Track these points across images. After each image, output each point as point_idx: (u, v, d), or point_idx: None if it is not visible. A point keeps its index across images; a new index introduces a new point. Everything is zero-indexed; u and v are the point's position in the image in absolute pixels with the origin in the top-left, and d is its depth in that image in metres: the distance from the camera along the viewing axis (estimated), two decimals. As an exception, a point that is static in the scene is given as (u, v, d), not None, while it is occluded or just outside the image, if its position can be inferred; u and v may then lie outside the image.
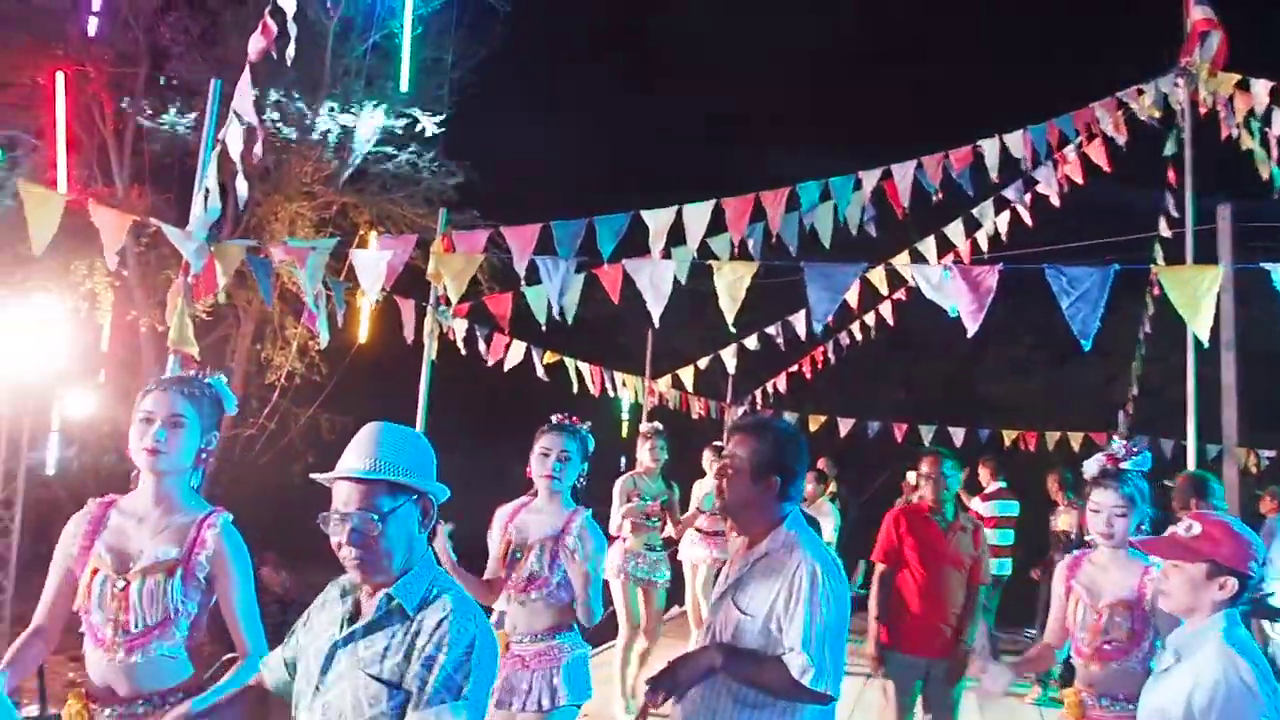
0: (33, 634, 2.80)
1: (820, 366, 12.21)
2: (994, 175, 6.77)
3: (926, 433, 13.18)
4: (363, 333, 11.80)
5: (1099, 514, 3.68)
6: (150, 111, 13.34)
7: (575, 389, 8.96)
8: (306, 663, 2.25)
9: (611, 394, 9.77)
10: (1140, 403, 14.57)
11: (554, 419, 4.15)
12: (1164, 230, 9.92)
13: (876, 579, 5.19)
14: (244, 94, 4.87)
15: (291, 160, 12.39)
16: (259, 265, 5.21)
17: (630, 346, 11.14)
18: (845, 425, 13.54)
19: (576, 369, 8.91)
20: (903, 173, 6.33)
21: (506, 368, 7.83)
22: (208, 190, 4.85)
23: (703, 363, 10.94)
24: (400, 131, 14.09)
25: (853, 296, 9.62)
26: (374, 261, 5.18)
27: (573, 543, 3.90)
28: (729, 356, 10.60)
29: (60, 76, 10.80)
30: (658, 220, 5.30)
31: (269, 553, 13.43)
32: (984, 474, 9.55)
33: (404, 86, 12.68)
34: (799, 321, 9.96)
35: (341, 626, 2.21)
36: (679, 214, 5.35)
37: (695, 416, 12.73)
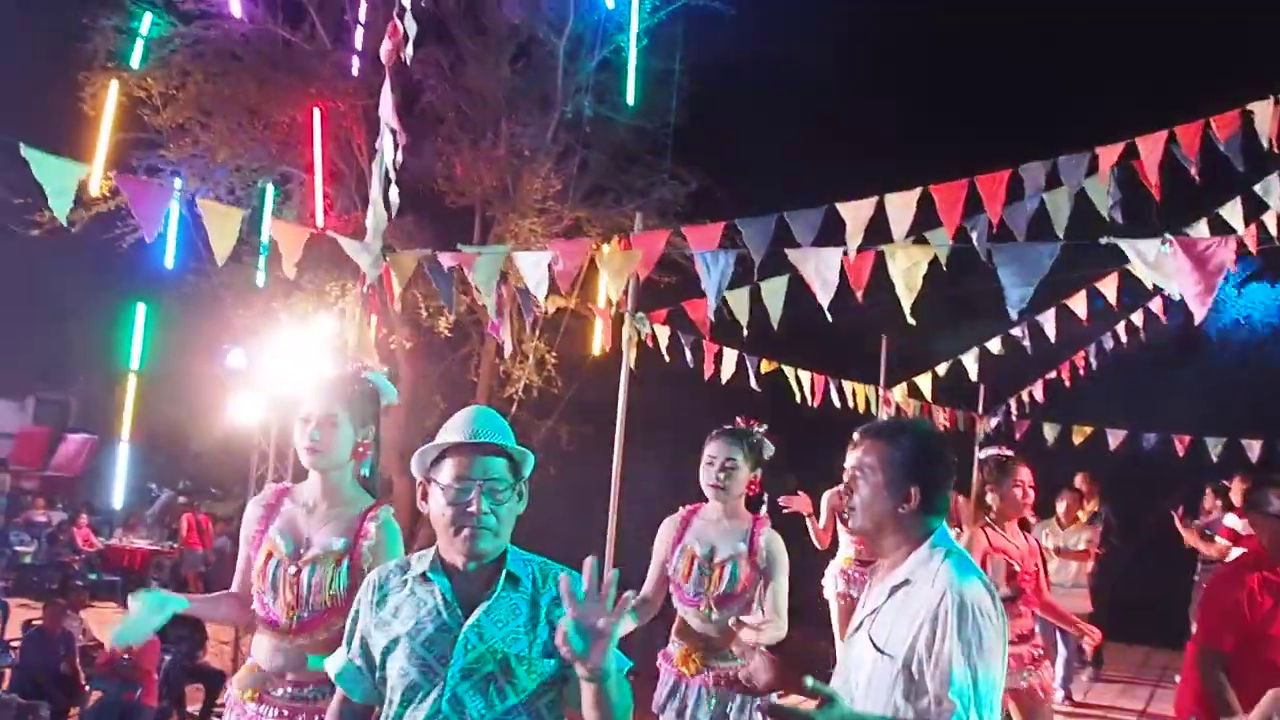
0: (229, 594, 3.05)
1: (1083, 372, 11.10)
2: (1273, 143, 5.76)
3: (1213, 446, 11.70)
4: (596, 344, 11.82)
5: None
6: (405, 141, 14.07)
7: (797, 399, 8.52)
8: (413, 661, 2.17)
9: (837, 404, 9.23)
10: None
11: (729, 426, 3.88)
12: None
13: (1206, 663, 3.69)
14: (386, 101, 4.89)
15: (524, 177, 12.67)
16: (438, 273, 5.22)
17: (867, 352, 10.51)
18: (1115, 438, 12.24)
19: (796, 378, 8.47)
20: (1150, 146, 5.48)
21: (724, 379, 7.55)
22: (385, 199, 4.89)
23: (941, 369, 10.15)
24: (631, 144, 14.14)
25: (1111, 291, 8.68)
26: (534, 264, 5.05)
27: (763, 560, 3.72)
28: (970, 361, 9.77)
29: (316, 113, 11.54)
30: (857, 213, 4.84)
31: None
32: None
33: (630, 99, 12.70)
34: (1048, 321, 9.05)
35: (450, 611, 2.18)
36: (880, 205, 4.86)
37: (941, 428, 11.89)
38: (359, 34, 12.90)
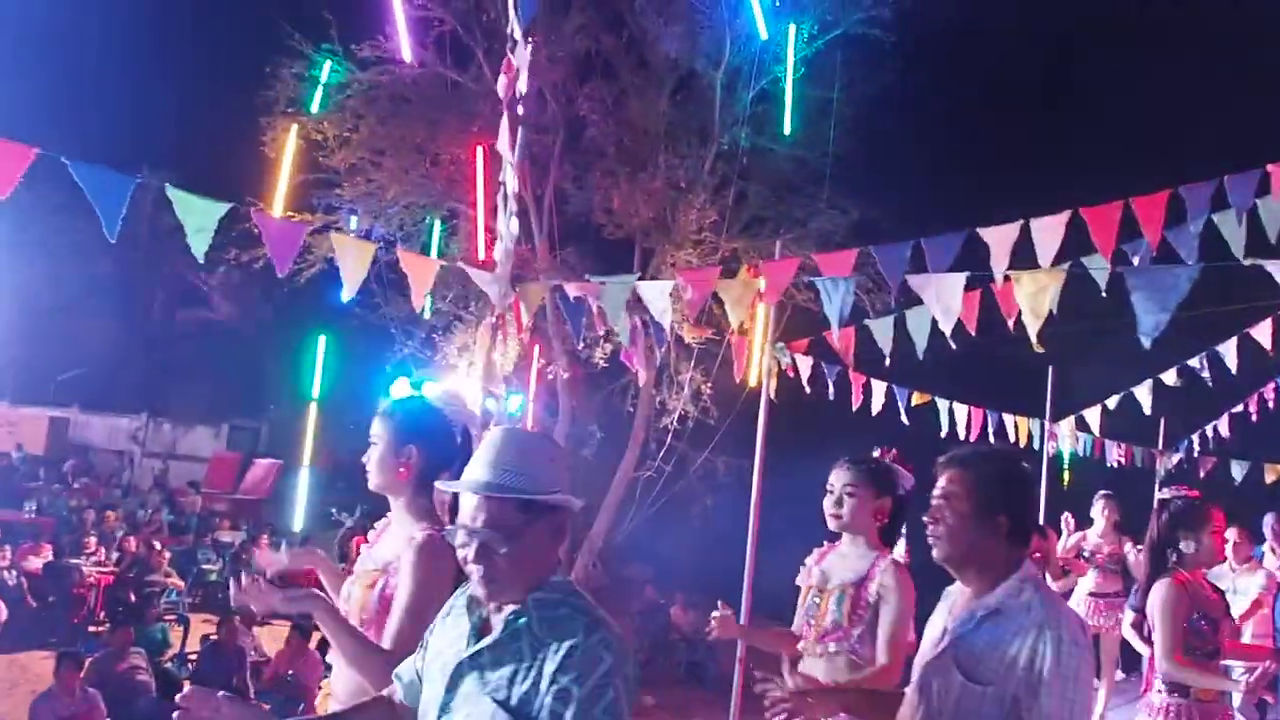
0: None
1: (1272, 406, 10.34)
2: None
3: None
4: (752, 376, 11.79)
5: None
6: (572, 175, 14.45)
7: (944, 432, 8.22)
8: (432, 679, 2.13)
9: (991, 438, 8.87)
10: None
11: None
12: None
13: None
14: (502, 136, 5.03)
15: (680, 209, 12.80)
16: (566, 303, 5.32)
17: (1034, 385, 10.07)
18: (1311, 477, 11.33)
19: (950, 411, 8.19)
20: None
21: (873, 411, 7.39)
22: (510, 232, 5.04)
23: (1112, 401, 9.63)
24: (790, 175, 14.09)
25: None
26: (659, 293, 5.08)
27: (875, 591, 3.50)
28: (1144, 394, 9.24)
29: (480, 151, 11.99)
30: (1000, 237, 4.67)
31: (678, 592, 13.88)
32: None
33: (787, 129, 12.66)
34: (1229, 352, 8.48)
35: (468, 643, 2.07)
36: (1025, 229, 4.67)
37: (1112, 465, 11.27)
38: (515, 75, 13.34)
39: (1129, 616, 5.69)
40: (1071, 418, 9.91)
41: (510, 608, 2.04)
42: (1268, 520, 8.43)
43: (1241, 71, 16.41)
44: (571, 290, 5.31)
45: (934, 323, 5.61)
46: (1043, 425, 9.61)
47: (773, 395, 5.88)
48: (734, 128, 13.53)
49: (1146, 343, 4.25)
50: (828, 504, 3.67)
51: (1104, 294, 5.22)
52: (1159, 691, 4.15)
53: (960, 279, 4.53)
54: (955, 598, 2.48)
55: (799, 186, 14.14)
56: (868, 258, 4.97)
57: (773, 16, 12.75)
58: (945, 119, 16.25)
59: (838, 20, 12.83)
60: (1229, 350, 8.46)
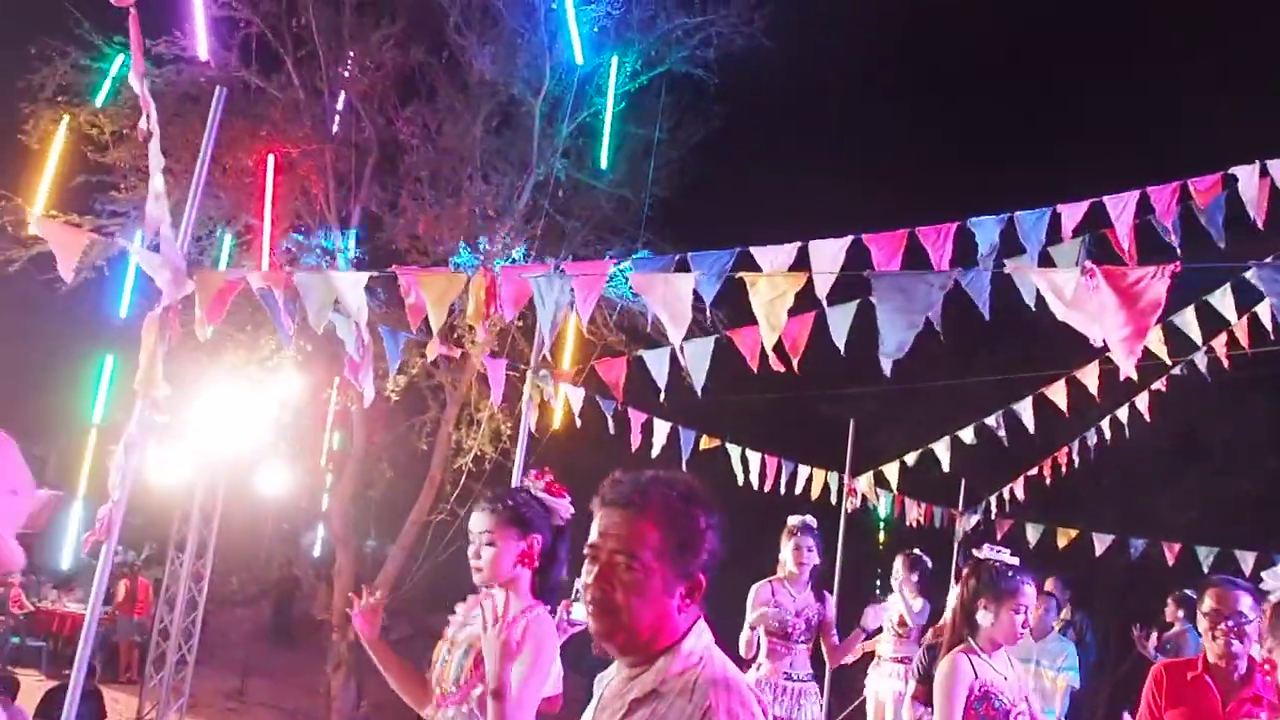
0: None
1: (1065, 471, 10.38)
2: (1256, 215, 5.12)
3: (1205, 556, 10.93)
4: (557, 418, 11.17)
5: None
6: (385, 199, 13.63)
7: (740, 481, 7.75)
8: None
9: (783, 489, 8.48)
10: None
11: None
12: None
13: None
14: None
15: (487, 237, 12.18)
16: (268, 298, 4.57)
17: (834, 438, 9.79)
18: (1102, 543, 11.45)
19: (743, 458, 7.74)
20: (1119, 207, 4.85)
21: (654, 452, 6.85)
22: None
23: (911, 458, 9.43)
24: (610, 213, 13.69)
25: (1092, 382, 8.04)
26: (352, 285, 4.38)
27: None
28: (943, 451, 9.06)
29: (270, 160, 11.14)
30: (772, 256, 4.18)
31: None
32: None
33: (604, 164, 12.24)
34: (1025, 411, 8.39)
35: None
36: (803, 250, 4.21)
37: (911, 524, 11.12)
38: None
39: (911, 688, 5.29)
40: (870, 473, 9.66)
41: None
42: (1049, 585, 8.26)
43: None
44: (256, 281, 4.55)
45: (720, 355, 5.16)
46: (841, 479, 9.30)
47: (533, 429, 5.24)
48: (551, 159, 13.03)
49: (886, 365, 3.82)
50: (470, 553, 3.05)
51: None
52: None
53: (688, 280, 3.99)
54: (609, 679, 1.89)
55: (620, 227, 13.75)
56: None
57: (594, 47, 12.37)
58: (766, 166, 16.24)
59: (662, 56, 12.54)
60: (1025, 410, 8.37)
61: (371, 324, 4.91)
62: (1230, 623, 3.55)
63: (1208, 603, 3.66)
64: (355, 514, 13.58)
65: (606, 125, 12.18)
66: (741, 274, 3.97)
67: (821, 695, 5.66)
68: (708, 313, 4.14)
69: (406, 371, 11.28)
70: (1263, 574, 2.60)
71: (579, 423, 6.13)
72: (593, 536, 1.85)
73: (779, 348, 4.26)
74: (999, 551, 3.87)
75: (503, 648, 2.40)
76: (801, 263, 4.32)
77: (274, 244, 11.36)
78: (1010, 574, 3.73)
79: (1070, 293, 3.46)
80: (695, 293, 4.15)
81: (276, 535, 14.59)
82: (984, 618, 3.66)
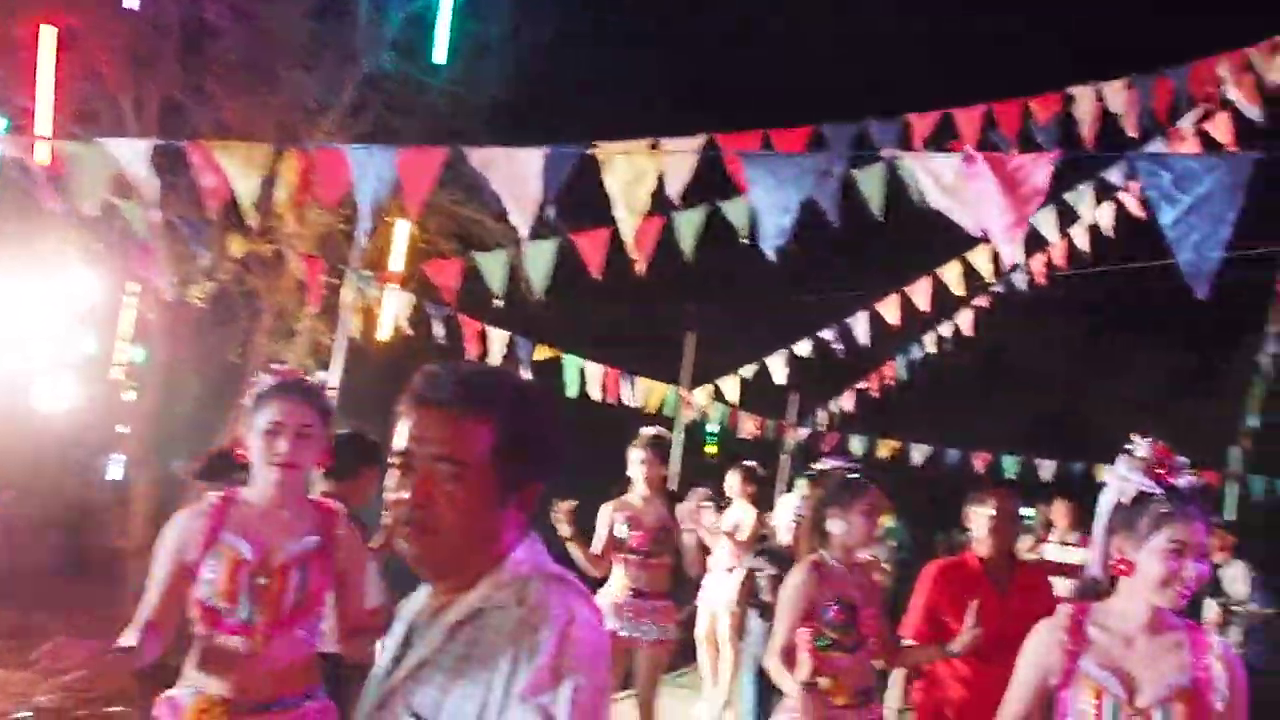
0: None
1: (891, 385, 10.67)
2: (1087, 136, 5.18)
3: (1012, 466, 11.52)
4: (383, 328, 10.60)
5: (1181, 557, 2.26)
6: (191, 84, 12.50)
7: (573, 394, 7.51)
8: None
9: (631, 403, 8.32)
10: (1258, 442, 12.65)
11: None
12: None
13: (904, 660, 4.07)
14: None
15: (306, 130, 11.33)
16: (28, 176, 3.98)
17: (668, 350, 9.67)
18: (920, 454, 11.91)
19: (581, 371, 7.50)
20: (967, 121, 4.79)
21: (491, 363, 6.52)
22: None
23: (748, 371, 9.42)
24: (447, 113, 12.99)
25: (924, 300, 8.16)
26: (134, 156, 3.82)
27: None
28: (778, 365, 9.08)
29: (48, 32, 9.94)
30: (621, 152, 3.85)
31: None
32: (1059, 515, 7.99)
33: (438, 58, 11.54)
34: (859, 324, 8.47)
35: None
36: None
37: (745, 437, 11.23)
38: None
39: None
40: (710, 386, 9.62)
41: None
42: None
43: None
44: (9, 149, 3.93)
45: (561, 262, 4.87)
46: (678, 392, 9.23)
47: (354, 334, 4.84)
48: (381, 51, 12.20)
49: (768, 250, 3.64)
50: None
51: (744, 239, 4.66)
52: (794, 692, 3.55)
53: (537, 154, 3.64)
54: (418, 604, 1.62)
55: (457, 129, 13.06)
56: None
57: (431, -73, 11.55)
58: (618, 69, 15.75)
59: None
60: (860, 323, 8.45)
61: (169, 219, 4.35)
62: (1002, 518, 3.87)
63: (989, 505, 3.93)
64: (157, 435, 12.66)
65: (441, 16, 11.43)
66: (596, 149, 3.64)
67: (676, 612, 5.57)
68: (550, 210, 3.79)
69: (214, 276, 10.46)
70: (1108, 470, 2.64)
71: (409, 331, 5.71)
72: (401, 442, 1.51)
73: (625, 247, 3.99)
74: (838, 460, 3.87)
75: None
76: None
77: (55, 133, 10.21)
78: (854, 480, 3.74)
79: (950, 179, 3.33)
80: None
81: (66, 459, 13.50)
82: (836, 525, 3.65)
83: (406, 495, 1.48)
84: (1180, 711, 2.21)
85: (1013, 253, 3.46)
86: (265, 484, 2.82)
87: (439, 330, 5.73)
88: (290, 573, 2.76)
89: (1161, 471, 2.32)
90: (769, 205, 3.43)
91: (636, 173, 3.53)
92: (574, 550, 4.93)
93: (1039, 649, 2.43)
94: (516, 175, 3.60)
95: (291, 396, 2.80)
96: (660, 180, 4.00)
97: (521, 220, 3.68)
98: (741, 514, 7.44)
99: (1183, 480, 2.30)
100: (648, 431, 5.36)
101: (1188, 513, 2.26)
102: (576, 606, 1.46)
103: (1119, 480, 2.35)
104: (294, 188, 3.80)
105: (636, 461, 5.25)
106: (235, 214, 3.92)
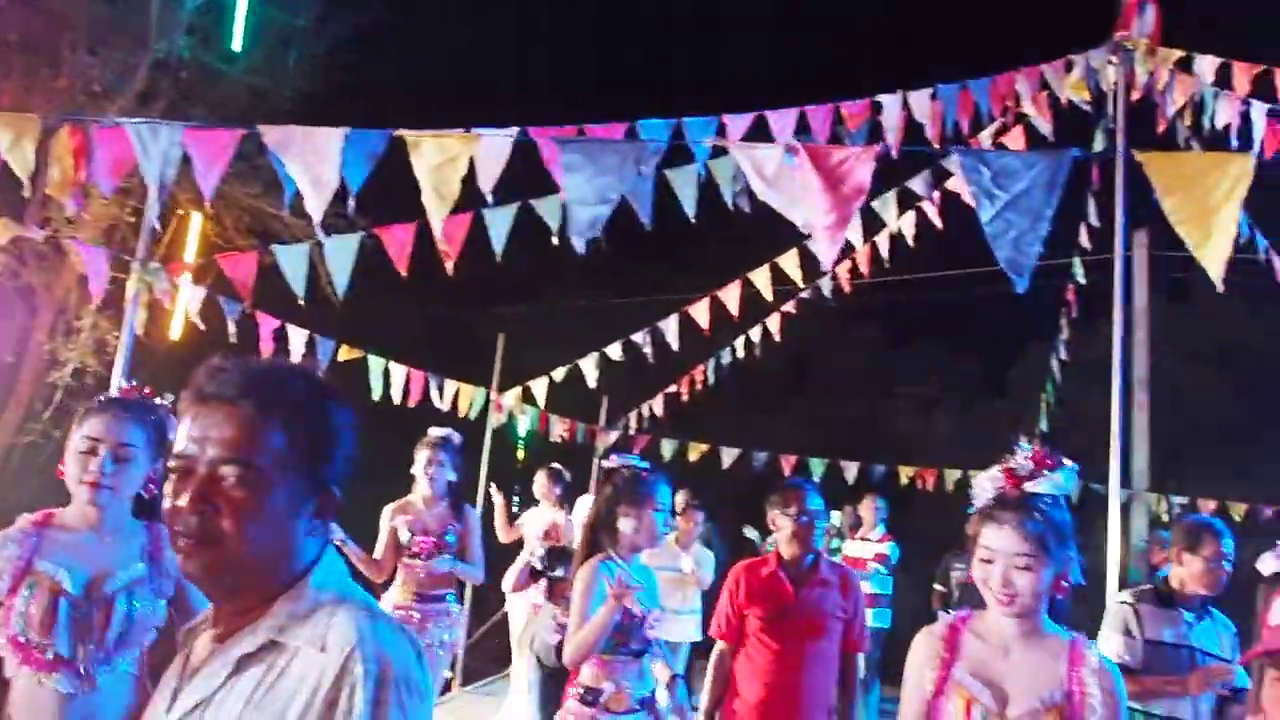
0: None
1: (700, 388, 10.84)
2: (893, 143, 5.39)
3: (818, 468, 11.91)
4: (176, 326, 9.98)
5: (991, 564, 2.28)
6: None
7: (377, 397, 7.25)
8: None
9: (439, 405, 8.11)
10: (1046, 444, 13.55)
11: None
12: (1084, 240, 8.78)
13: (713, 659, 4.06)
14: None
15: (92, 114, 10.59)
16: None
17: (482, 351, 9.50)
18: (729, 457, 12.14)
19: (385, 372, 7.25)
20: (780, 123, 4.90)
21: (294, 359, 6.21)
22: None
23: (559, 374, 9.37)
24: (245, 103, 12.39)
25: (734, 303, 8.32)
26: None
27: None
28: (590, 368, 9.07)
29: None
30: (431, 144, 3.73)
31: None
32: (866, 512, 8.34)
33: (235, 45, 11.01)
34: (670, 327, 8.56)
35: None
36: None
37: (556, 439, 11.17)
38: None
39: (516, 575, 5.24)
40: (518, 389, 9.50)
41: None
42: (679, 497, 8.56)
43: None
44: None
45: (367, 259, 4.69)
46: (488, 395, 9.08)
47: (139, 333, 4.49)
48: (174, 36, 11.54)
49: (579, 244, 3.60)
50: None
51: (554, 239, 4.60)
52: (573, 698, 3.52)
53: (336, 135, 3.49)
54: (202, 627, 1.45)
55: (257, 120, 12.45)
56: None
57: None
58: (430, 63, 15.45)
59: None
60: (670, 327, 8.53)
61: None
62: (804, 519, 3.93)
63: (782, 503, 4.03)
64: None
65: (239, 1, 10.91)
66: (403, 132, 3.49)
67: (462, 614, 5.42)
68: (351, 202, 3.60)
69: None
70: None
71: (202, 326, 5.35)
72: (181, 444, 1.36)
73: (434, 241, 3.85)
74: (627, 458, 3.85)
75: None
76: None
77: None
78: (645, 478, 3.72)
79: (772, 171, 3.36)
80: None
81: None
82: (626, 524, 3.61)
83: (184, 503, 1.32)
84: None
85: (833, 250, 3.53)
86: (79, 505, 2.58)
87: (234, 328, 5.40)
88: (115, 601, 2.52)
89: (1006, 479, 2.33)
90: (583, 196, 3.38)
91: (446, 157, 3.40)
92: (350, 553, 4.74)
93: (917, 658, 2.40)
94: (314, 157, 3.42)
95: (113, 412, 2.60)
96: (472, 171, 3.90)
97: (316, 206, 3.49)
98: (550, 516, 7.43)
99: (1011, 488, 2.30)
100: (435, 432, 5.20)
101: (999, 519, 2.26)
102: (387, 646, 1.31)
103: (978, 486, 2.38)
104: (70, 167, 3.47)
105: (421, 462, 5.09)
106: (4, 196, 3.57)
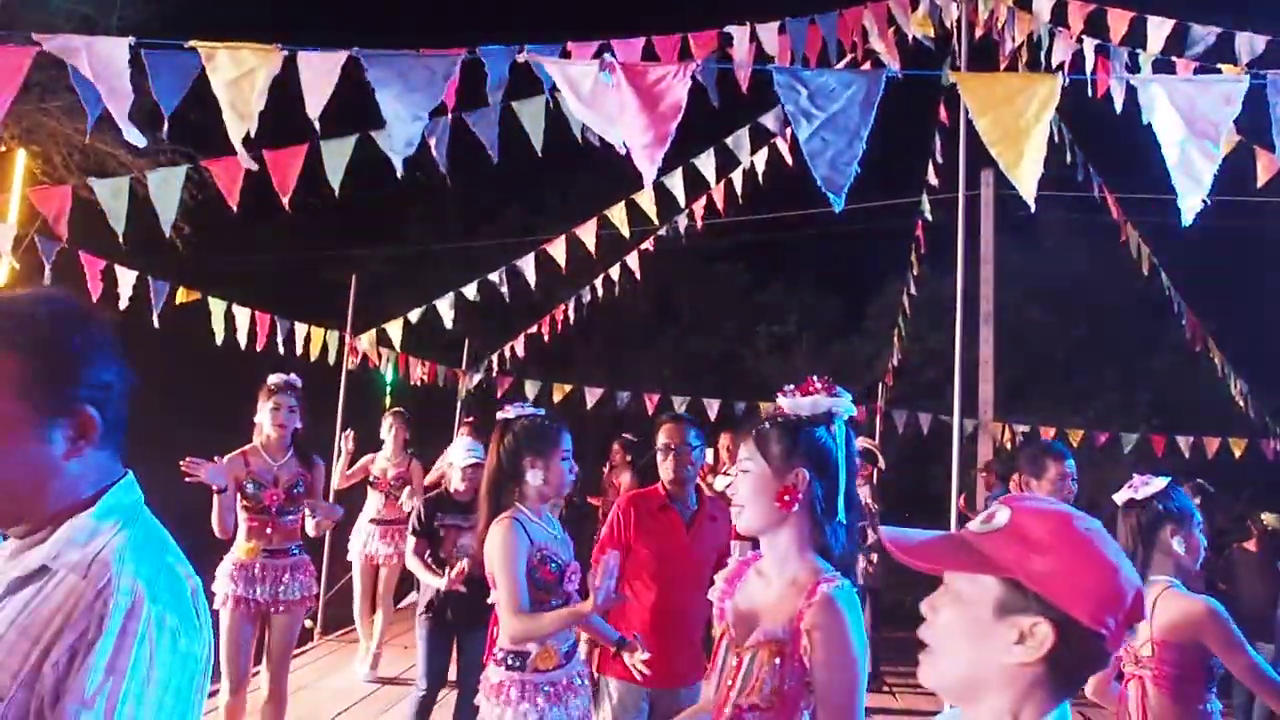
0: None
1: (561, 328, 10.76)
2: (743, 78, 5.36)
3: (680, 405, 12.03)
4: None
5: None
6: None
7: (220, 341, 6.91)
8: None
9: (283, 351, 7.81)
10: (899, 378, 14.09)
11: None
12: (931, 178, 9.03)
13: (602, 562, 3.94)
14: None
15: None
16: None
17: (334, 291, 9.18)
18: (593, 396, 12.15)
19: (228, 314, 6.91)
20: (626, 52, 4.80)
21: (122, 305, 5.84)
22: None
23: (415, 315, 9.13)
24: (67, 29, 11.55)
25: (590, 239, 8.25)
26: None
27: None
28: (446, 309, 8.87)
29: None
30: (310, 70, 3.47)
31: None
32: (724, 448, 8.44)
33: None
34: (528, 267, 8.44)
35: None
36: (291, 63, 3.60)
37: (415, 383, 10.96)
38: None
39: (411, 543, 5.07)
40: (372, 332, 9.24)
41: None
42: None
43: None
44: None
45: (197, 183, 4.41)
46: (342, 338, 8.80)
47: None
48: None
49: (397, 161, 3.46)
50: None
51: (401, 173, 4.41)
52: (496, 663, 3.37)
53: (121, 43, 3.23)
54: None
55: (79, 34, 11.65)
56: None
57: None
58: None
59: None
60: (528, 266, 8.42)
61: None
62: (680, 452, 3.97)
63: (661, 437, 4.05)
64: None
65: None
66: (195, 43, 3.25)
67: (315, 568, 5.24)
68: (167, 128, 3.35)
69: None
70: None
71: (15, 265, 4.97)
72: None
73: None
74: (524, 406, 3.68)
75: None
76: (295, 82, 3.71)
77: None
78: (548, 425, 3.51)
79: (588, 88, 3.28)
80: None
81: None
82: (534, 475, 3.41)
83: None
84: (761, 658, 2.12)
85: (652, 169, 3.47)
86: None
87: (50, 269, 5.02)
88: None
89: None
90: (395, 112, 3.23)
91: (242, 70, 3.18)
92: (220, 503, 4.52)
93: (714, 594, 2.42)
94: (102, 68, 3.16)
95: None
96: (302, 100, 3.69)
97: (116, 109, 3.22)
98: (390, 460, 7.39)
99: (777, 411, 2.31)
100: (276, 377, 4.95)
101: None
102: (145, 579, 1.31)
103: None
104: None
105: (267, 410, 4.85)
106: None
